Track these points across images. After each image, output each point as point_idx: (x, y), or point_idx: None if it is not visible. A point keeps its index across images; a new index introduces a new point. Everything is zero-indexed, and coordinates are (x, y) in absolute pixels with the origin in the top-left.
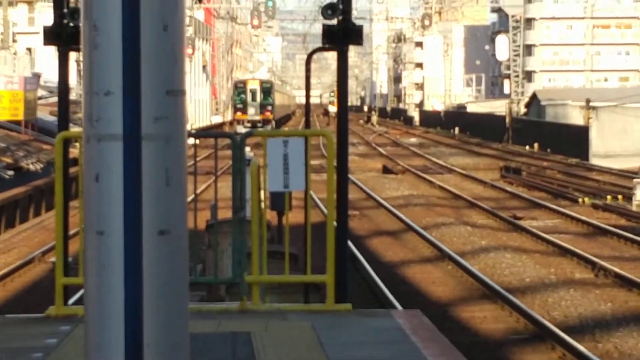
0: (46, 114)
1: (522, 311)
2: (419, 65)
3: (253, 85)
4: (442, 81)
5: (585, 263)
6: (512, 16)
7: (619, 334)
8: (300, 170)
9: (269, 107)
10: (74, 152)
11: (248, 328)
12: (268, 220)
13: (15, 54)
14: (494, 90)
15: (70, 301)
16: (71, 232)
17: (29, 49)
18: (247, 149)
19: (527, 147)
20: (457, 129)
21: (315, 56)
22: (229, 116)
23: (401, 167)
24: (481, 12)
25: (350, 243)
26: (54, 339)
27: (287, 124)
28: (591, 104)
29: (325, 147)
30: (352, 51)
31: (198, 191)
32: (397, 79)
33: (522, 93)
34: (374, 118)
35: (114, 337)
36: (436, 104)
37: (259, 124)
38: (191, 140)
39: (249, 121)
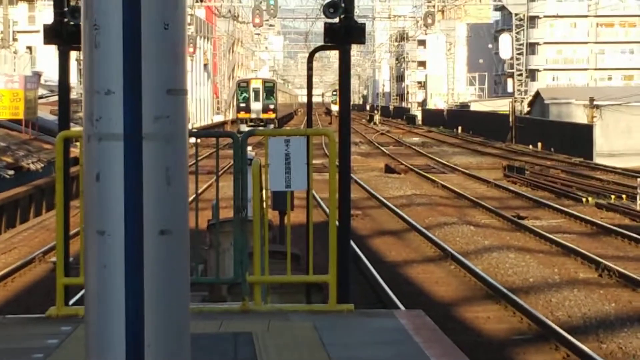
0: (47, 113)
1: (525, 311)
2: (422, 63)
3: (256, 84)
4: (445, 80)
5: (589, 263)
6: (516, 14)
7: (623, 334)
8: (302, 169)
9: (272, 106)
10: (74, 151)
11: (250, 328)
12: (270, 220)
13: (15, 52)
14: (497, 88)
15: (71, 301)
16: (72, 232)
17: (30, 48)
18: (249, 148)
19: (531, 146)
20: (460, 128)
21: (317, 55)
22: (230, 115)
23: (404, 167)
24: (484, 10)
25: (352, 243)
26: (55, 339)
27: (289, 123)
28: (595, 102)
29: (327, 147)
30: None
31: (199, 191)
32: (399, 78)
33: (526, 92)
34: (377, 117)
35: (115, 338)
36: (439, 102)
37: (262, 123)
38: (192, 140)
39: (251, 120)
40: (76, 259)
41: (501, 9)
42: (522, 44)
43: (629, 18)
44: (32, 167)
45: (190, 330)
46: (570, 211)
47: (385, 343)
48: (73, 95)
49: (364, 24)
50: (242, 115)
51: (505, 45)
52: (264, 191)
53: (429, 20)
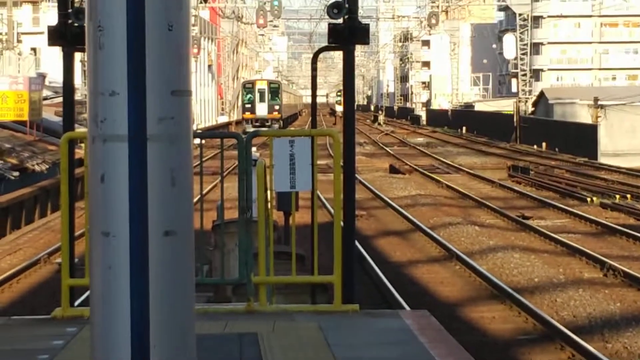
0: (51, 115)
1: (530, 311)
2: (426, 64)
3: (261, 85)
4: (449, 80)
5: (594, 263)
6: (520, 14)
7: (628, 333)
8: (307, 170)
9: (277, 107)
10: (79, 152)
11: (255, 329)
12: (275, 221)
13: (20, 54)
14: (502, 89)
15: (77, 302)
16: (77, 233)
17: (34, 49)
18: (253, 149)
19: (535, 146)
20: (464, 128)
21: (321, 55)
22: (235, 116)
23: (408, 167)
24: (488, 11)
25: (357, 243)
26: (60, 340)
27: (294, 123)
28: (599, 102)
29: (332, 147)
30: (359, 50)
31: (204, 191)
32: (403, 78)
33: (530, 92)
34: (381, 117)
35: (121, 339)
36: (443, 103)
37: (267, 123)
38: (197, 141)
39: (257, 120)
40: (81, 260)
41: (505, 9)
42: (526, 44)
43: (633, 18)
44: (37, 168)
45: (195, 330)
46: (575, 211)
47: (390, 343)
48: (77, 96)
49: (368, 24)
50: (247, 115)
51: (509, 46)
52: (268, 192)
53: (433, 21)
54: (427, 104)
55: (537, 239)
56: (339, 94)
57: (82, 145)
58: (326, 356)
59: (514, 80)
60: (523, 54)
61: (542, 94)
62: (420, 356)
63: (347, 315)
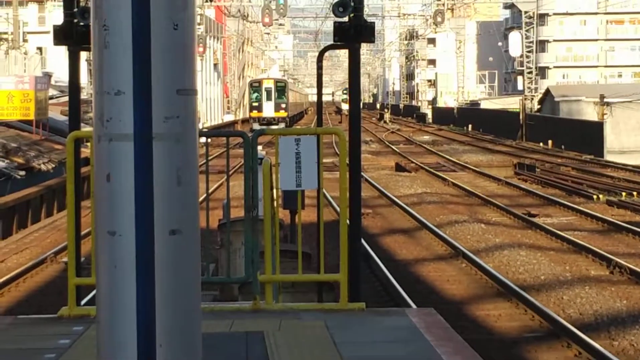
0: (57, 114)
1: (537, 309)
2: (432, 62)
3: (268, 84)
4: (454, 78)
5: (601, 260)
6: (525, 12)
7: (635, 331)
8: (313, 168)
9: (284, 105)
10: (85, 151)
11: (261, 327)
12: (281, 219)
13: (25, 53)
14: (507, 86)
15: (83, 301)
16: (83, 232)
17: (40, 49)
18: (259, 147)
19: (541, 144)
20: (470, 126)
21: (327, 54)
22: (240, 115)
23: (414, 165)
24: (494, 8)
25: (363, 241)
26: (67, 339)
27: (300, 122)
28: (605, 99)
29: (338, 145)
30: (364, 48)
31: (210, 190)
32: (409, 76)
33: (536, 89)
34: (387, 115)
35: (127, 337)
36: (449, 100)
37: (274, 121)
38: (203, 139)
39: (264, 118)
40: (87, 259)
41: (511, 6)
42: (531, 42)
43: (639, 15)
44: (43, 167)
45: (202, 329)
46: (581, 208)
47: (396, 341)
48: (83, 95)
49: (374, 22)
50: (254, 114)
51: (515, 43)
52: (274, 190)
53: (439, 19)
54: (433, 101)
55: (543, 237)
56: (344, 92)
57: (88, 144)
58: (332, 354)
59: (519, 78)
60: (529, 52)
61: (548, 92)
62: (427, 354)
63: (353, 313)
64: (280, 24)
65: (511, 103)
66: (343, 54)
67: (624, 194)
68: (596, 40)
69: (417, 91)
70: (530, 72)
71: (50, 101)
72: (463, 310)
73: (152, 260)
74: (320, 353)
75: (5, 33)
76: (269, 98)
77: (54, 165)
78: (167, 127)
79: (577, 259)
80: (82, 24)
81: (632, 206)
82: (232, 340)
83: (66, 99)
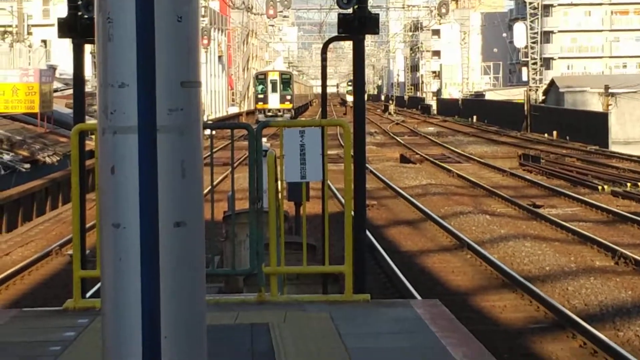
0: (62, 107)
1: (542, 300)
2: (436, 53)
3: (273, 76)
4: (459, 69)
5: (606, 251)
6: (530, 3)
7: None
8: (317, 160)
9: (289, 97)
10: (90, 144)
11: (266, 319)
12: (285, 211)
13: (30, 46)
14: (512, 77)
15: (88, 294)
16: (88, 224)
17: (44, 41)
18: (264, 139)
19: (546, 135)
20: (475, 117)
21: (331, 45)
22: (245, 107)
23: (419, 156)
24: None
25: (368, 233)
26: (72, 332)
27: (304, 113)
28: (610, 90)
29: (342, 137)
30: (369, 40)
31: (215, 182)
32: (414, 68)
33: (540, 80)
34: (392, 107)
35: (132, 329)
36: (454, 92)
37: (280, 113)
38: (207, 131)
39: (269, 110)
40: (92, 251)
41: None
42: (536, 33)
43: None
44: (48, 160)
45: (207, 321)
46: (586, 199)
47: (401, 333)
48: (88, 88)
49: (378, 14)
50: (260, 106)
51: (520, 34)
52: (279, 182)
53: (443, 10)
54: (438, 93)
55: (548, 228)
56: (349, 83)
57: (93, 137)
58: (337, 346)
59: (524, 69)
60: (533, 43)
61: (552, 83)
62: (432, 345)
63: (358, 305)
64: (285, 16)
65: (516, 94)
66: (347, 46)
67: (629, 184)
68: (601, 31)
69: (422, 83)
70: (535, 63)
71: (55, 94)
72: (468, 302)
73: (157, 253)
74: (325, 344)
75: (10, 26)
76: (274, 90)
77: (58, 158)
78: (172, 120)
79: (582, 249)
80: (86, 16)
81: (637, 197)
82: (237, 332)
83: (71, 91)
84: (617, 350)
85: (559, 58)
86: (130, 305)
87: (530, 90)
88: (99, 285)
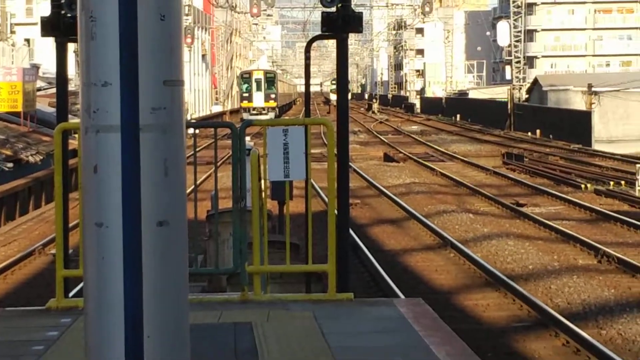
0: (45, 106)
1: (525, 298)
2: (420, 52)
3: (258, 75)
4: (443, 68)
5: (589, 249)
6: (514, 1)
7: (623, 320)
8: (301, 159)
9: (273, 96)
10: (73, 143)
11: (249, 318)
12: (269, 210)
13: (13, 45)
14: (496, 76)
15: (71, 293)
16: (71, 224)
17: (28, 40)
18: (247, 138)
19: (529, 134)
20: (458, 116)
21: (315, 44)
22: (229, 105)
23: (402, 155)
24: None
25: (351, 232)
26: (55, 331)
27: (288, 112)
28: (593, 89)
29: (326, 136)
30: (352, 39)
31: (198, 181)
32: (397, 66)
33: (524, 79)
34: (375, 106)
35: (115, 329)
36: (437, 90)
37: (264, 111)
38: (190, 130)
39: (254, 108)
40: (76, 251)
41: None
42: (520, 31)
43: (627, 4)
44: (31, 159)
45: (190, 320)
46: (569, 198)
47: (385, 332)
48: (71, 87)
49: (362, 12)
50: (245, 104)
51: (503, 33)
52: (262, 181)
53: (427, 8)
54: (421, 92)
55: (532, 226)
56: (333, 82)
57: (76, 136)
58: (320, 345)
59: (508, 68)
60: (517, 41)
61: (536, 81)
62: (415, 344)
63: (341, 304)
64: (269, 15)
65: (499, 93)
66: (331, 45)
67: (611, 183)
68: (584, 29)
69: (406, 81)
70: (519, 62)
71: (38, 93)
72: (451, 300)
73: (140, 252)
74: (309, 343)
75: None
76: (258, 89)
77: (41, 157)
78: (154, 118)
79: (565, 248)
80: (69, 15)
81: (620, 195)
82: (221, 331)
83: (54, 90)
84: (599, 349)
85: (543, 57)
86: (113, 305)
87: (513, 88)
88: (82, 284)
